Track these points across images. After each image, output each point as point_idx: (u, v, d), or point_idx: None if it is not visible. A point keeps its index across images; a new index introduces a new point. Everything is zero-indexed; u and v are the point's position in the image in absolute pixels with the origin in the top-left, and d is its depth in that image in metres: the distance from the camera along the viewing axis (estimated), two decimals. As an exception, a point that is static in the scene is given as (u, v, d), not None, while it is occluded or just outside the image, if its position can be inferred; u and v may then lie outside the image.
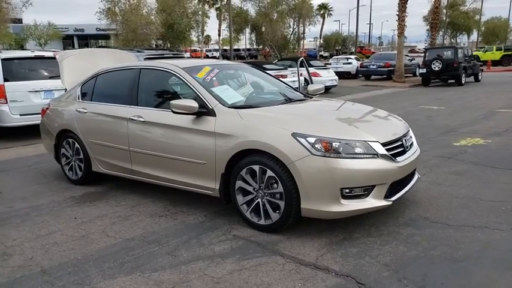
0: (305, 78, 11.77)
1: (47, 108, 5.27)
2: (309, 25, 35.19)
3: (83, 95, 4.79)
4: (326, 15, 59.31)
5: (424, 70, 18.07)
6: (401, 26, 19.25)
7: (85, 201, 4.31)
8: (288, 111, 3.70)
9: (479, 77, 19.75)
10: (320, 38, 62.43)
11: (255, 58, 41.49)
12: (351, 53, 44.48)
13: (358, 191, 3.07)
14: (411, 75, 22.82)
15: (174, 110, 3.58)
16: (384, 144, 3.19)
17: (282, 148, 3.09)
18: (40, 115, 7.94)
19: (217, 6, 46.82)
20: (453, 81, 18.14)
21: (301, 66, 10.16)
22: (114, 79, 4.58)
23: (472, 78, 19.36)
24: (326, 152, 3.01)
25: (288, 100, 4.15)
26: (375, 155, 3.10)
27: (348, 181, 3.01)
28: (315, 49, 62.53)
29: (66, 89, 5.34)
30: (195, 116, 3.64)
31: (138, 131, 4.06)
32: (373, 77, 22.15)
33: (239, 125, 3.38)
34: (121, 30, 21.19)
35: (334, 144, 3.03)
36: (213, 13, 45.39)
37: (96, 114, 4.49)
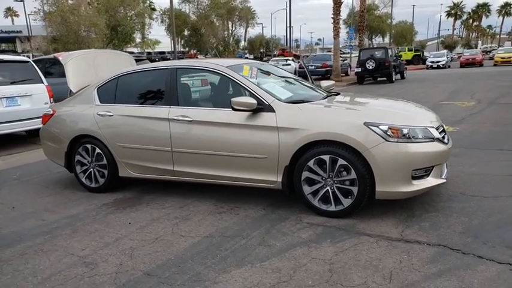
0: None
1: (52, 114, 4.92)
2: (248, 27, 35.75)
3: (103, 98, 4.58)
4: (249, 18, 60.50)
5: (359, 69, 19.54)
6: (336, 28, 20.54)
7: (124, 207, 4.17)
8: (342, 105, 3.96)
9: (405, 75, 21.82)
10: (245, 40, 63.46)
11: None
12: (274, 56, 45.95)
13: (422, 171, 3.43)
14: (343, 74, 24.40)
15: (234, 107, 3.66)
16: (436, 129, 3.60)
17: (356, 137, 3.34)
18: (16, 122, 7.44)
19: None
20: (384, 78, 19.84)
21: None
22: (143, 80, 4.47)
23: (398, 76, 21.30)
24: (397, 138, 3.33)
25: (326, 95, 4.40)
26: (432, 139, 3.49)
27: (418, 163, 3.36)
28: (239, 51, 63.44)
29: (71, 91, 5.03)
30: (250, 113, 3.74)
31: (183, 131, 4.03)
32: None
33: (304, 118, 3.56)
34: (55, 33, 19.62)
35: (403, 130, 3.35)
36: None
37: (127, 117, 4.34)
